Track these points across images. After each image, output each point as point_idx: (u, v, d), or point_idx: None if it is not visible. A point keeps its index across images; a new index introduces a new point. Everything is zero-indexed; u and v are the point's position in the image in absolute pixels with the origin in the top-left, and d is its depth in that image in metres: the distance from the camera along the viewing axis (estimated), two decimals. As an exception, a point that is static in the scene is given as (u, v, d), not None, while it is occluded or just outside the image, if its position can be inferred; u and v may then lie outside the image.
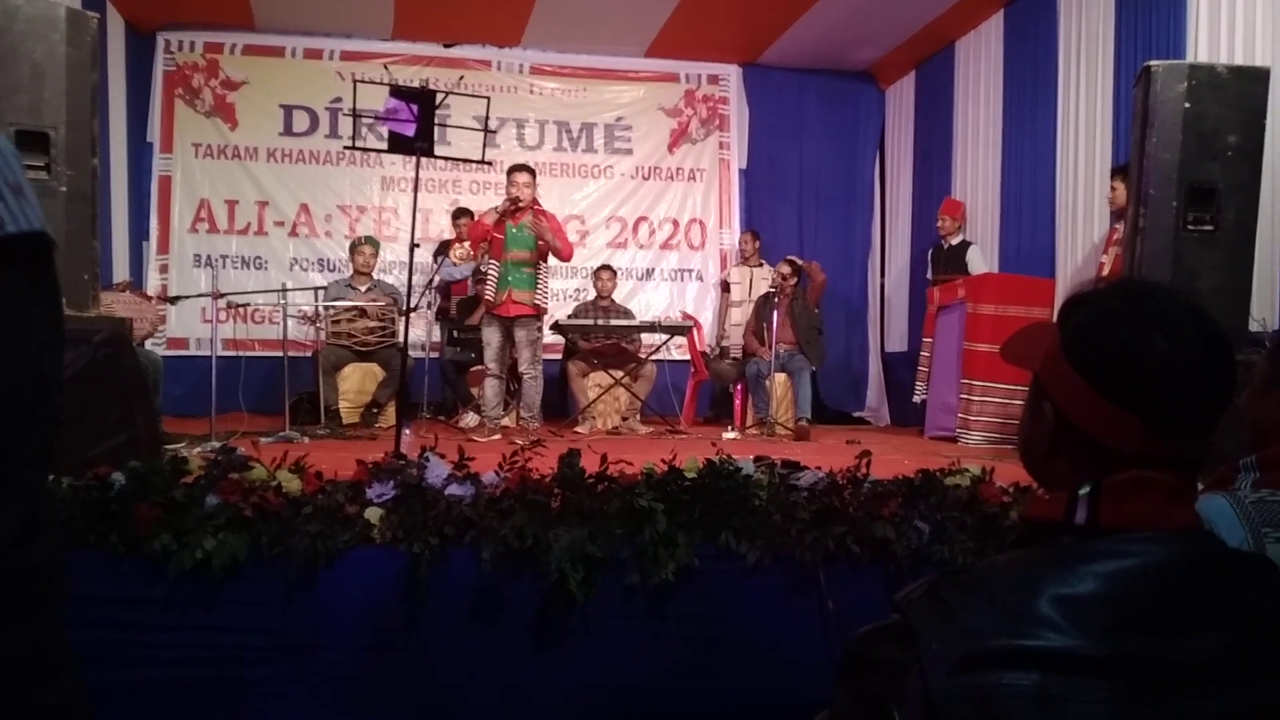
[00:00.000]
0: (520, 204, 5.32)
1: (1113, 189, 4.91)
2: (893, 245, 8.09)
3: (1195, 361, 0.92)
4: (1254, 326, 3.71)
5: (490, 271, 5.43)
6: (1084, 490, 0.94)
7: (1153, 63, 3.69)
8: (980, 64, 6.79)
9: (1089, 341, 0.95)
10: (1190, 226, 3.57)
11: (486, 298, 5.47)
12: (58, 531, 0.89)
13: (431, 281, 5.96)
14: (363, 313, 5.98)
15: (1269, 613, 0.89)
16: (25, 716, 0.84)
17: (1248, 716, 0.84)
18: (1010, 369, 5.06)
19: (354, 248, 6.41)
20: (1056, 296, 5.55)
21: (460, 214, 6.85)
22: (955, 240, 6.53)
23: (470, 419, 5.96)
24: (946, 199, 6.76)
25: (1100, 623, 0.85)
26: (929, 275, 6.70)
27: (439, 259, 6.54)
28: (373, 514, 2.30)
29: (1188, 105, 3.56)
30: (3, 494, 0.83)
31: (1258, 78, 3.66)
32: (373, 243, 6.49)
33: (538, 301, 5.40)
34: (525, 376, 5.45)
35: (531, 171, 5.53)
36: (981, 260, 6.35)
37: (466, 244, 6.56)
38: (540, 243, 5.35)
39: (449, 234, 7.04)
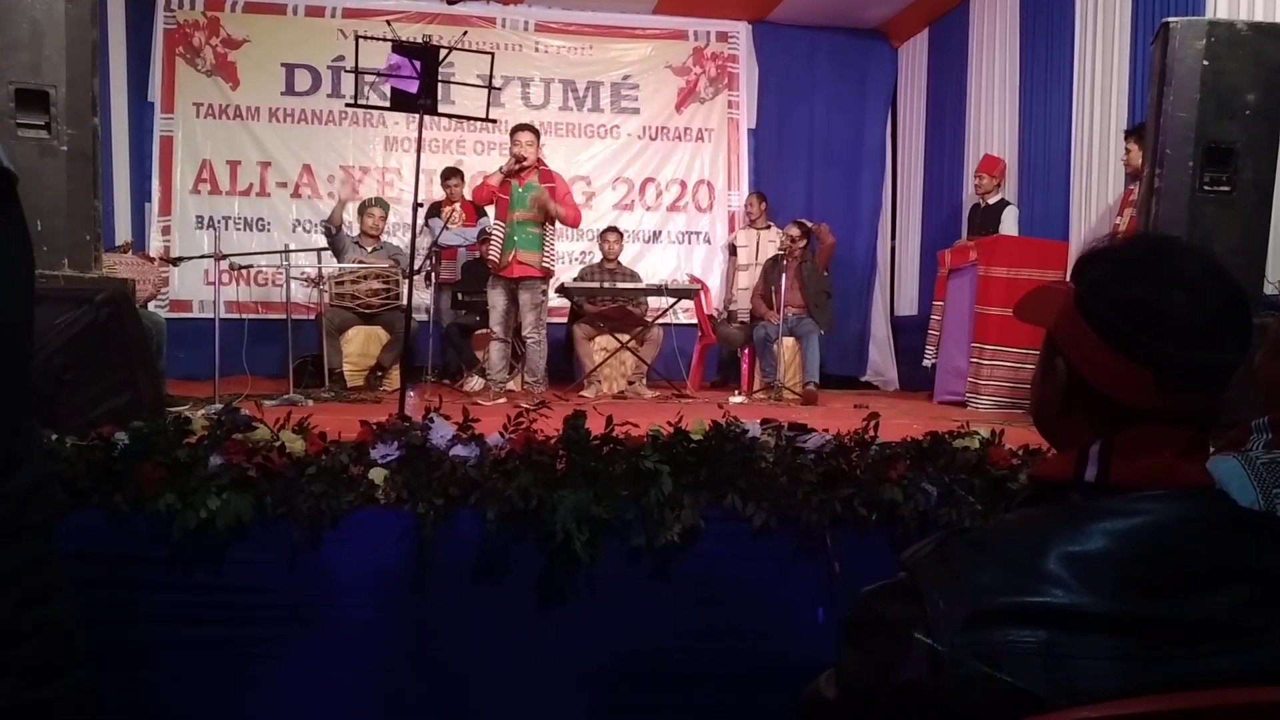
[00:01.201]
0: (524, 163, 5.27)
1: (1127, 150, 4.83)
2: (904, 207, 8.01)
3: (1210, 316, 0.91)
4: (1269, 289, 3.67)
5: (495, 232, 5.40)
6: (1094, 446, 0.93)
7: (1171, 19, 3.61)
8: (995, 21, 6.66)
9: (1103, 296, 0.94)
10: (1207, 187, 3.51)
11: (491, 259, 5.43)
12: (43, 461, 0.90)
13: (435, 243, 5.93)
14: (365, 277, 5.96)
15: (1279, 573, 0.88)
16: (15, 638, 0.85)
17: (1256, 675, 0.84)
18: (1022, 333, 5.00)
19: (363, 209, 6.36)
20: (1070, 259, 5.49)
21: (450, 174, 6.77)
22: (993, 199, 6.24)
23: (475, 382, 5.95)
24: (985, 155, 6.48)
25: (1109, 581, 0.85)
26: (964, 234, 6.52)
27: (429, 221, 6.49)
28: (377, 475, 2.29)
29: (1206, 63, 3.49)
30: None
31: (1278, 35, 3.57)
32: (382, 205, 6.44)
33: (545, 264, 5.36)
34: (529, 341, 5.42)
35: (535, 131, 5.47)
36: (1014, 224, 6.08)
37: (457, 206, 6.51)
38: (545, 203, 5.31)
39: (440, 195, 6.97)
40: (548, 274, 5.44)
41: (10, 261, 0.88)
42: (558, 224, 5.49)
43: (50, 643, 0.88)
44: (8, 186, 0.88)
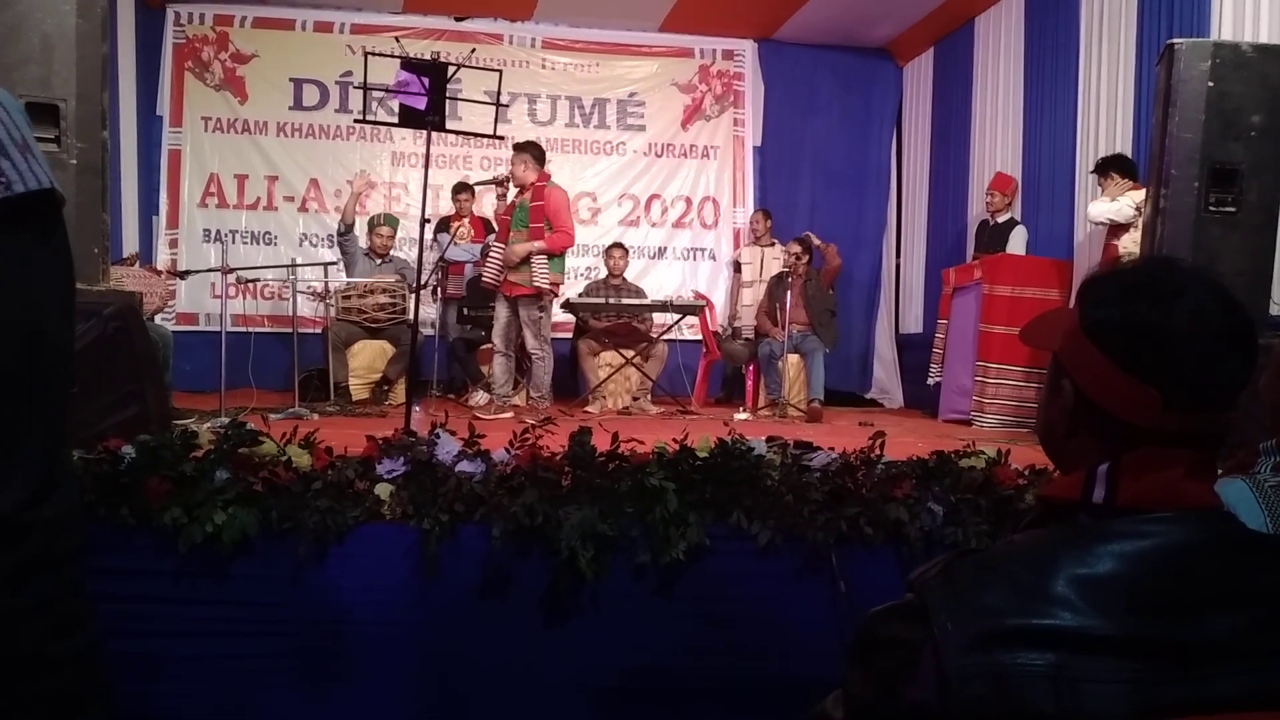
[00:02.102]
0: (503, 182, 5.30)
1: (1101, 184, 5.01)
2: (909, 225, 8.02)
3: (1216, 334, 0.91)
4: (1275, 310, 3.66)
5: (495, 251, 5.42)
6: (1102, 468, 0.93)
7: (1176, 41, 3.63)
8: (1000, 41, 6.69)
9: (1109, 316, 0.94)
10: (1212, 208, 3.51)
11: (486, 280, 5.46)
12: (73, 488, 0.89)
13: (442, 258, 5.95)
14: (371, 289, 5.98)
15: None
16: (42, 667, 0.84)
17: (1264, 698, 0.83)
18: (1026, 351, 5.00)
19: (372, 227, 6.38)
20: (1075, 278, 5.49)
21: (460, 189, 6.79)
22: (1003, 218, 6.20)
23: (480, 397, 5.95)
24: (998, 173, 6.44)
25: (1117, 603, 0.85)
26: (971, 251, 6.50)
27: (437, 236, 6.51)
28: (383, 490, 2.29)
29: (1211, 84, 3.50)
30: (16, 454, 0.83)
31: (1283, 56, 3.58)
32: (391, 222, 6.46)
33: (537, 283, 5.30)
34: (532, 356, 5.41)
35: (522, 148, 5.46)
36: (1022, 244, 6.03)
37: (467, 221, 6.54)
38: (533, 225, 5.28)
39: (448, 209, 6.99)
40: (542, 291, 5.35)
41: (57, 284, 0.89)
42: (558, 243, 5.42)
43: (77, 675, 0.87)
44: (55, 209, 0.88)
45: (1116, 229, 4.95)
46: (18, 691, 0.83)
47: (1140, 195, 4.70)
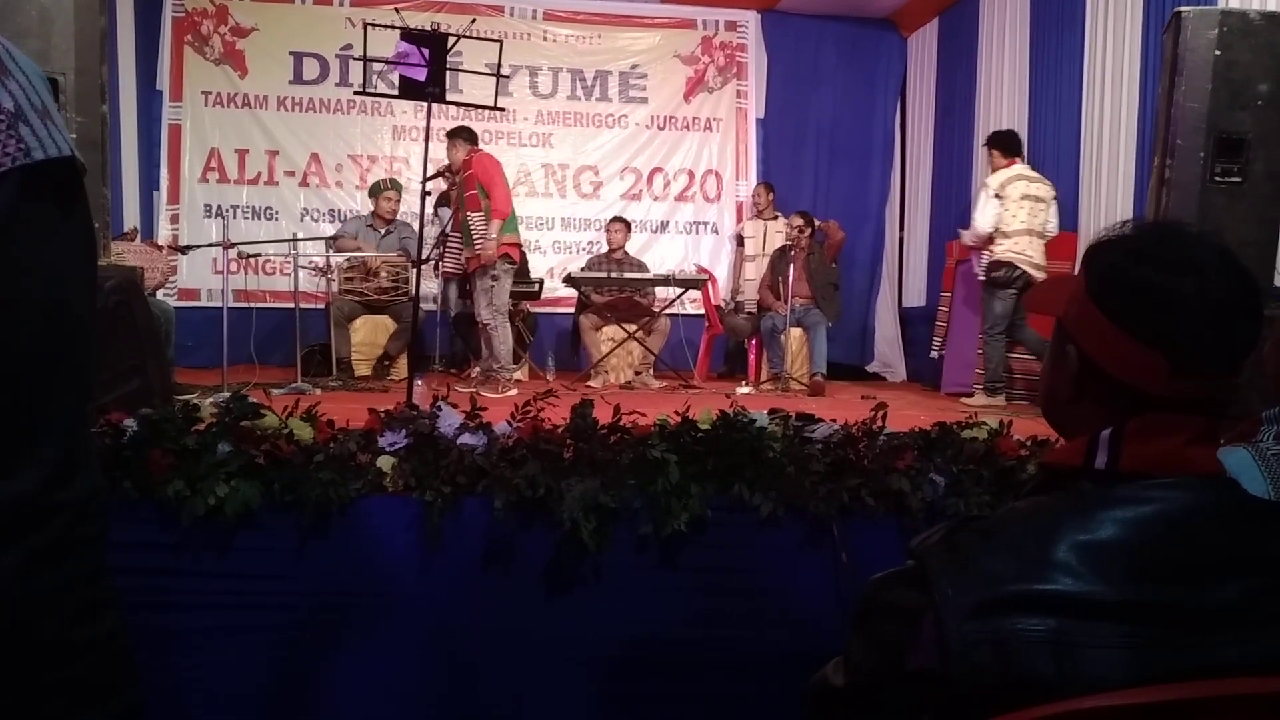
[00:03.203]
0: (446, 172, 5.54)
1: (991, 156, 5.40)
2: (913, 198, 7.98)
3: (1222, 298, 0.91)
4: (1280, 280, 3.64)
5: (452, 241, 5.47)
6: (1105, 433, 0.93)
7: (1183, 8, 3.58)
8: (1005, 11, 6.62)
9: (1115, 280, 0.94)
10: (1218, 178, 3.49)
11: (449, 271, 5.54)
12: (97, 470, 0.87)
13: (443, 233, 5.93)
14: (374, 272, 5.96)
15: None
16: (66, 652, 0.83)
17: (1265, 664, 0.83)
18: (1031, 323, 4.98)
19: (379, 192, 6.34)
20: (1079, 250, 5.47)
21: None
22: None
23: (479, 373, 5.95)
24: None
25: (1119, 569, 0.85)
26: None
27: (438, 210, 6.48)
28: (385, 462, 2.29)
29: (1218, 53, 3.46)
30: (40, 433, 0.81)
31: (1292, 24, 3.54)
32: (396, 186, 6.43)
33: (479, 251, 5.30)
34: (487, 326, 5.34)
35: (452, 134, 5.63)
36: None
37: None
38: (468, 194, 5.31)
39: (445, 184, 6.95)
40: (491, 260, 5.25)
41: (79, 256, 0.86)
42: (494, 210, 5.31)
43: (101, 661, 0.86)
44: (76, 178, 0.85)
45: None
46: (42, 678, 0.82)
47: (1003, 175, 5.24)
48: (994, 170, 5.40)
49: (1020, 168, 5.36)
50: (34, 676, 0.82)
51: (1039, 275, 5.11)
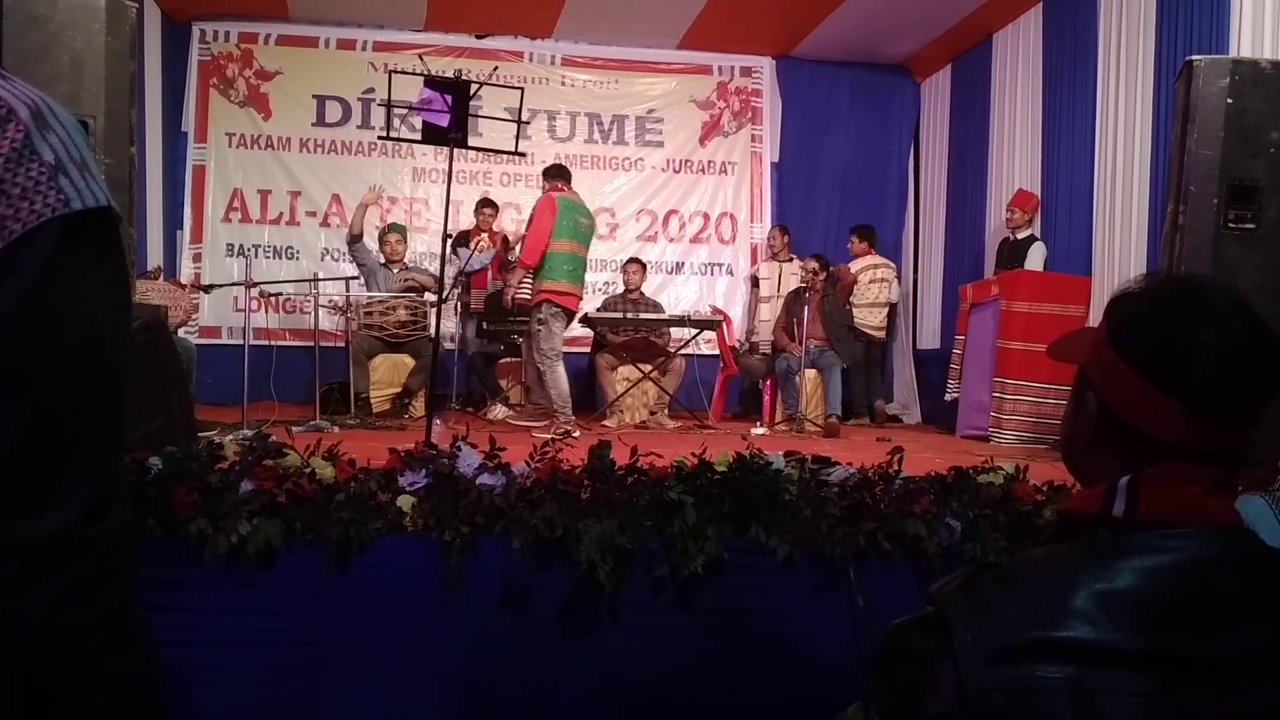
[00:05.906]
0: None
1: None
2: (927, 242, 8.01)
3: (1240, 349, 0.92)
4: (1296, 327, 3.64)
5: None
6: (1123, 481, 0.94)
7: (1194, 57, 3.62)
8: (1018, 58, 6.70)
9: (1135, 329, 0.96)
10: (1231, 224, 3.50)
11: (521, 298, 5.63)
12: (128, 505, 0.91)
13: (462, 271, 6.00)
14: (392, 308, 6.03)
15: None
16: (99, 684, 0.85)
17: (1281, 714, 0.83)
18: (1044, 367, 5.00)
19: (381, 237, 6.46)
20: (1092, 294, 5.48)
21: (485, 204, 6.85)
22: (1023, 234, 6.18)
23: (498, 410, 5.98)
24: (1019, 190, 6.41)
25: (1137, 618, 0.85)
26: (992, 268, 6.49)
27: (456, 250, 6.55)
28: (405, 502, 2.32)
29: (1230, 101, 3.49)
30: (75, 471, 0.84)
31: (1303, 73, 3.58)
32: (398, 229, 6.53)
33: (518, 296, 5.54)
34: (539, 369, 5.36)
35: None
36: (1040, 260, 6.01)
37: (485, 236, 6.59)
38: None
39: (468, 223, 7.02)
40: (535, 304, 5.29)
41: (113, 302, 0.90)
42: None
43: (133, 690, 0.88)
44: (112, 227, 0.90)
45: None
46: (75, 707, 0.85)
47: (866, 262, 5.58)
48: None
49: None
50: (68, 706, 0.84)
51: None
